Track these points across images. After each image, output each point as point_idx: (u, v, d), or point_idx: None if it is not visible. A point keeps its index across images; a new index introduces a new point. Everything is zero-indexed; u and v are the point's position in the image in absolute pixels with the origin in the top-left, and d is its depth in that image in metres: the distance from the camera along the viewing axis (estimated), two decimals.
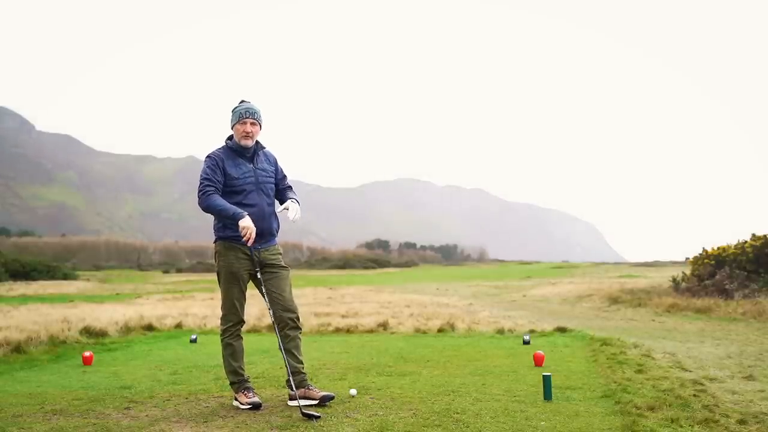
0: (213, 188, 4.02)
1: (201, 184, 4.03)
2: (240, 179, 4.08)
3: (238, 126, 4.10)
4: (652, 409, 3.80)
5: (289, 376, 4.03)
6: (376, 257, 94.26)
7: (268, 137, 4.13)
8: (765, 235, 14.29)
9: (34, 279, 39.66)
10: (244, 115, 4.08)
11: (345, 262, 79.57)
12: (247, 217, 3.94)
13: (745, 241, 14.65)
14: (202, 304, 16.02)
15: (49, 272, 43.24)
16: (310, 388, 4.05)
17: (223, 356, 4.23)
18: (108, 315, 10.87)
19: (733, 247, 14.77)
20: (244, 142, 4.11)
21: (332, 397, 4.04)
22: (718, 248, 15.24)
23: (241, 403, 4.03)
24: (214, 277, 4.08)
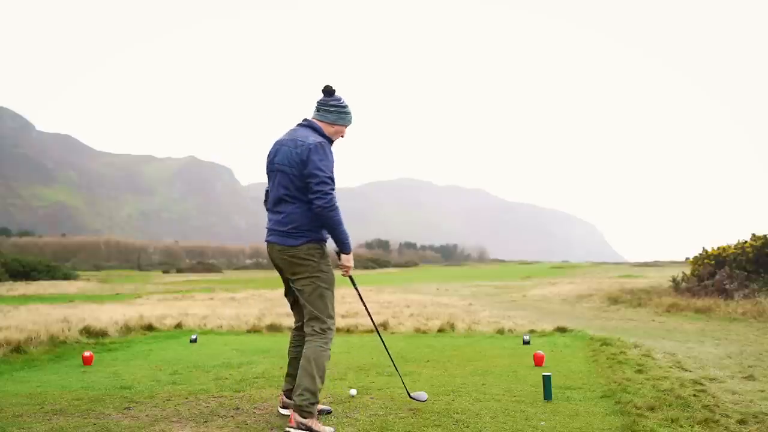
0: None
1: (329, 184, 3.48)
2: None
3: (340, 127, 3.74)
4: (652, 409, 3.80)
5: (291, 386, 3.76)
6: (376, 257, 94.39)
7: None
8: (765, 235, 14.29)
9: (34, 279, 39.77)
10: (351, 123, 3.82)
11: None
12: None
13: (745, 241, 14.65)
14: (202, 304, 16.03)
15: (49, 272, 43.34)
16: None
17: (319, 364, 3.58)
18: (108, 315, 10.88)
19: (733, 247, 14.77)
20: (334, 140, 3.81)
21: (329, 411, 3.86)
22: (718, 248, 15.24)
23: None
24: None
